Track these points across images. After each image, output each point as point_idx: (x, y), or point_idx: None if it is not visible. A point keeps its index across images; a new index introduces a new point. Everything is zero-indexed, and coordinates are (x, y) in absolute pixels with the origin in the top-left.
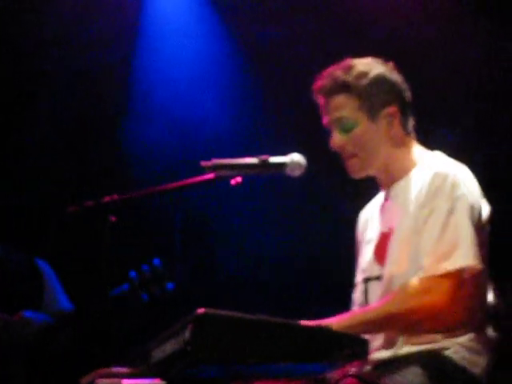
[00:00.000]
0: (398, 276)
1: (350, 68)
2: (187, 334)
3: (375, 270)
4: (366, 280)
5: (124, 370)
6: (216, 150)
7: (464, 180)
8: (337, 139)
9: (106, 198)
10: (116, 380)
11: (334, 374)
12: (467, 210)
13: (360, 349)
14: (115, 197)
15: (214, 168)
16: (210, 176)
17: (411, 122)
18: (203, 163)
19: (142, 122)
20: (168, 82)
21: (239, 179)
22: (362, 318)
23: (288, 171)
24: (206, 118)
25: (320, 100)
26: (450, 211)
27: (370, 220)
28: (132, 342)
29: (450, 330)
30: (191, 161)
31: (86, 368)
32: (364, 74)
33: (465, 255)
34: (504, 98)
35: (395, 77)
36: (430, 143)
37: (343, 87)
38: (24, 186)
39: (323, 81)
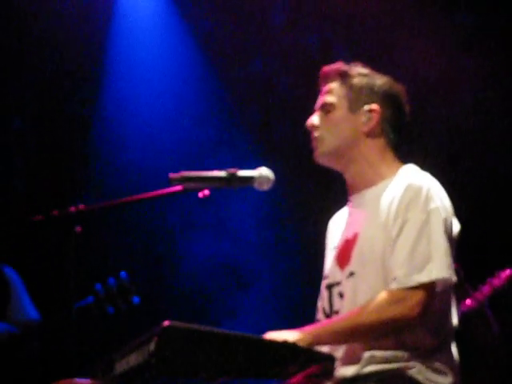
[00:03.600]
0: (361, 281)
1: (357, 66)
2: (152, 346)
3: (337, 276)
4: (330, 286)
5: (87, 381)
6: (184, 162)
7: (438, 193)
8: (314, 118)
9: (72, 208)
10: None
11: None
12: (441, 222)
13: (326, 367)
14: (81, 207)
15: (182, 180)
16: (178, 188)
17: (397, 138)
18: (171, 175)
19: (109, 134)
20: (136, 94)
21: (207, 192)
22: (331, 328)
23: (256, 185)
24: (174, 130)
25: (320, 87)
26: (425, 223)
27: (336, 228)
28: (95, 355)
29: (417, 343)
30: (159, 173)
31: (48, 379)
32: (366, 75)
33: (439, 267)
34: None
35: (397, 92)
36: None
37: (341, 76)
38: None
39: (328, 69)
